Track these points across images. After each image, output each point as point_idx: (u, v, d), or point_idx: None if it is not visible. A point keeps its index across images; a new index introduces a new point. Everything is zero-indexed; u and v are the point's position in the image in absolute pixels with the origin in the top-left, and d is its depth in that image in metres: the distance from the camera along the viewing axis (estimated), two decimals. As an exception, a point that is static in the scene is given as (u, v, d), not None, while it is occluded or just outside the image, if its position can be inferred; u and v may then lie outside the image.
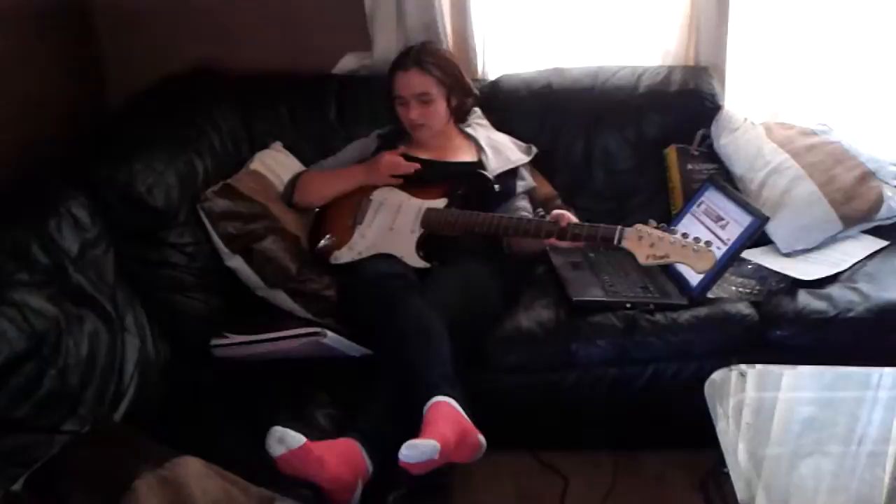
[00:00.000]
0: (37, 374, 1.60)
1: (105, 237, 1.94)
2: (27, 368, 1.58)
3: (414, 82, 2.31)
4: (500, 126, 2.56)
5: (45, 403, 1.60)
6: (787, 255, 2.34)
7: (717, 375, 1.77)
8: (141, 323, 1.96)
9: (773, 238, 2.35)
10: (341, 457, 1.61)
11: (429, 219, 2.22)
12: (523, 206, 2.37)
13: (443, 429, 1.61)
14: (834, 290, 2.17)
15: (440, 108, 2.35)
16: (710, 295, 2.17)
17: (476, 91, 2.51)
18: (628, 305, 2.14)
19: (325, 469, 1.57)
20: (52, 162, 2.07)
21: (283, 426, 1.59)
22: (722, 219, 2.22)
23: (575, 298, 2.15)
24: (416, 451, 1.56)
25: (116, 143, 2.17)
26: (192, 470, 1.44)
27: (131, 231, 2.03)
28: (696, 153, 2.58)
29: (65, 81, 2.54)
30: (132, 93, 2.56)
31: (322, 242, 2.30)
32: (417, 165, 2.31)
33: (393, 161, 2.32)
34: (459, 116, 2.47)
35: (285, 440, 1.57)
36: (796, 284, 2.21)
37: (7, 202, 1.86)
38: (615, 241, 2.00)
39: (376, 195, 2.33)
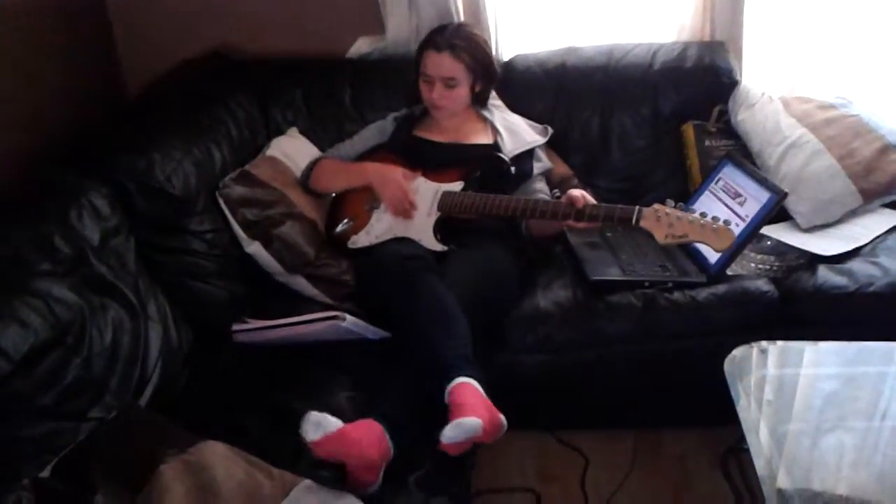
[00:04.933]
0: (62, 363, 1.62)
1: (125, 226, 1.96)
2: (52, 357, 1.60)
3: (443, 65, 2.29)
4: (514, 107, 2.55)
5: (71, 391, 1.62)
6: (807, 230, 2.32)
7: (737, 352, 1.77)
8: (163, 310, 1.98)
9: (793, 213, 2.34)
10: (370, 438, 1.62)
11: (445, 202, 2.22)
12: (541, 189, 2.37)
13: (479, 409, 1.63)
14: (854, 264, 2.15)
15: (463, 92, 2.34)
16: (729, 272, 2.16)
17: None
18: (647, 284, 2.13)
19: (361, 450, 1.58)
20: (70, 152, 2.09)
21: (317, 411, 1.60)
22: (740, 195, 2.21)
23: (593, 278, 2.14)
24: (461, 429, 1.58)
25: (134, 131, 2.19)
26: (216, 454, 1.46)
27: (151, 219, 2.04)
28: (713, 129, 2.56)
29: (80, 70, 2.55)
30: (148, 79, 2.58)
31: (339, 227, 2.31)
32: (415, 207, 2.24)
33: (402, 196, 2.23)
34: (480, 101, 2.46)
35: (323, 424, 1.58)
36: (816, 260, 2.19)
37: (28, 193, 1.89)
38: (633, 222, 1.99)
39: (392, 179, 2.33)
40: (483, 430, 1.59)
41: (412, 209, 2.24)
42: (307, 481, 1.47)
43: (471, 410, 1.62)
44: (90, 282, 1.77)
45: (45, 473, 1.46)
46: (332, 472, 1.57)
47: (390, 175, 2.28)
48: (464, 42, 2.31)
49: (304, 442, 1.58)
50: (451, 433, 1.58)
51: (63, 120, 2.37)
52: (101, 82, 2.68)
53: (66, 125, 2.35)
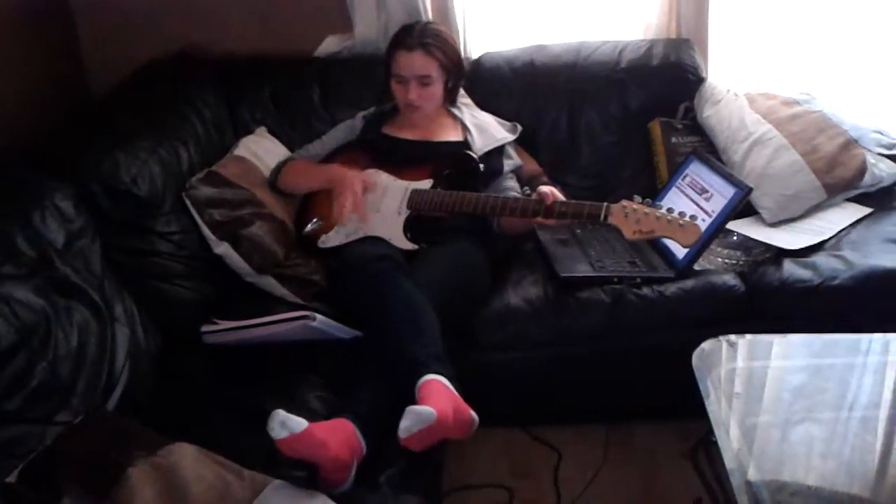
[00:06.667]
0: (27, 367, 1.59)
1: (90, 228, 1.93)
2: (17, 361, 1.57)
3: (417, 64, 2.28)
4: (482, 105, 2.55)
5: (37, 395, 1.59)
6: (772, 225, 2.35)
7: (705, 346, 1.77)
8: (130, 312, 1.95)
9: (758, 208, 2.37)
10: (339, 437, 1.61)
11: (415, 200, 2.22)
12: (512, 186, 2.37)
13: (439, 402, 1.62)
14: (819, 258, 2.18)
15: (437, 90, 2.34)
16: (696, 267, 2.18)
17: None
18: (616, 280, 2.15)
19: (328, 450, 1.57)
20: (34, 153, 2.05)
21: (285, 410, 1.57)
22: (706, 191, 2.23)
23: (563, 274, 2.15)
24: (413, 418, 1.56)
25: (99, 132, 2.15)
26: (186, 456, 1.45)
27: (117, 221, 2.01)
28: (679, 126, 2.59)
29: (45, 70, 2.51)
30: (114, 80, 2.54)
31: (309, 227, 2.30)
32: (366, 222, 2.23)
33: (357, 201, 2.22)
34: (450, 99, 2.46)
35: (287, 424, 1.56)
36: (781, 254, 2.22)
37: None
38: (601, 218, 2.00)
39: (362, 178, 2.32)
40: (437, 419, 1.57)
41: (363, 223, 2.21)
42: (278, 481, 1.46)
43: (429, 402, 1.61)
44: (55, 284, 1.74)
45: (12, 478, 1.43)
46: (303, 472, 1.56)
47: (348, 182, 2.23)
48: (433, 40, 2.30)
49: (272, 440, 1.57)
50: (405, 423, 1.57)
51: (27, 121, 2.33)
52: (66, 83, 2.64)
53: (31, 126, 2.31)
